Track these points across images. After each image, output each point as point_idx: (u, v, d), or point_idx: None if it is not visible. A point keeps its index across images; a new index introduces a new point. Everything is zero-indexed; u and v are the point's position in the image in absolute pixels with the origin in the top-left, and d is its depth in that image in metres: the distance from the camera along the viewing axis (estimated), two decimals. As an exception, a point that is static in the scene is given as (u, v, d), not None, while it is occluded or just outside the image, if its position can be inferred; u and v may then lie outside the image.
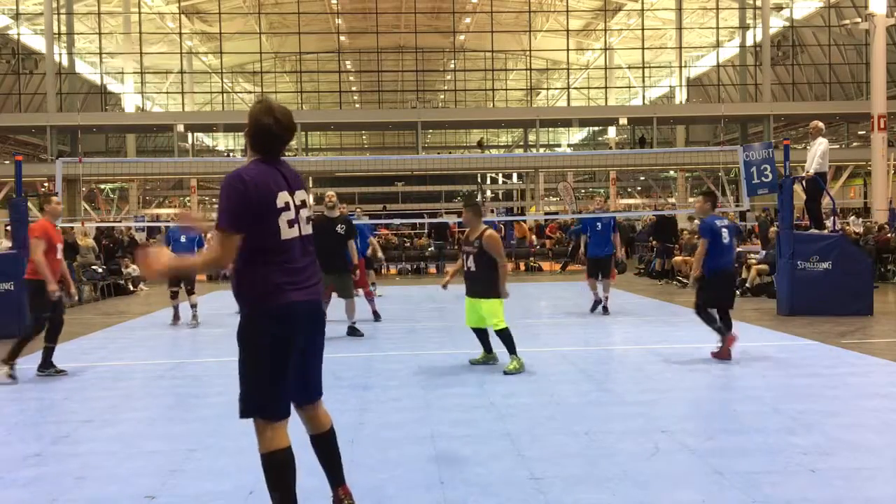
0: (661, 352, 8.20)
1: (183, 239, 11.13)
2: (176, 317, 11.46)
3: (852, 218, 26.41)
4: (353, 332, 9.90)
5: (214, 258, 3.20)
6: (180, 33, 41.20)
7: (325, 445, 3.52)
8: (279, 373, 3.23)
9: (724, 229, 7.95)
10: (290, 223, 3.28)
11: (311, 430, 3.53)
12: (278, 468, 3.25)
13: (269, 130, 3.34)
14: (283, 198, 3.26)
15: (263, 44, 42.62)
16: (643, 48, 40.83)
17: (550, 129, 50.28)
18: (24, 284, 7.76)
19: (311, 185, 40.04)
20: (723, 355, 7.67)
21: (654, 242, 19.38)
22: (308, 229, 3.39)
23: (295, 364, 3.29)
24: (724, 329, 7.81)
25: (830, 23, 38.95)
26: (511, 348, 7.29)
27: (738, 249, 16.37)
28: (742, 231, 12.95)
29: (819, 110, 33.42)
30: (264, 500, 3.99)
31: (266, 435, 3.27)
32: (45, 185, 33.35)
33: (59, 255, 7.50)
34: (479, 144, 43.45)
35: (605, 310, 11.58)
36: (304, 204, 3.38)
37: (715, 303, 8.01)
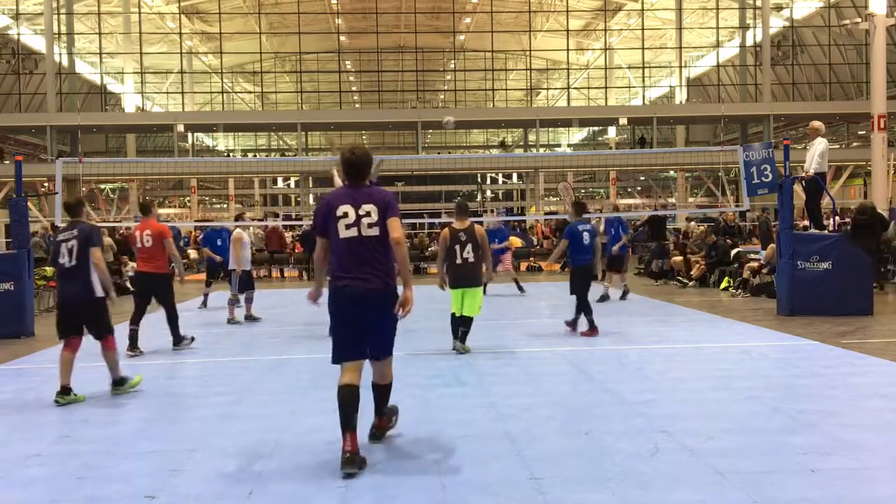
0: (661, 352, 8.20)
1: (219, 242, 13.00)
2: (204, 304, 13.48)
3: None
4: None
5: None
6: (180, 33, 41.18)
7: (375, 391, 4.86)
8: (338, 332, 4.64)
9: (584, 233, 9.30)
10: (348, 227, 4.52)
11: (375, 380, 4.83)
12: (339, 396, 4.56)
13: (346, 163, 4.65)
14: (343, 209, 4.54)
15: (263, 44, 42.61)
16: (643, 48, 40.81)
17: (550, 129, 50.27)
18: (150, 278, 8.74)
19: (311, 185, 40.09)
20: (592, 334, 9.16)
21: (652, 244, 19.41)
22: (369, 232, 4.51)
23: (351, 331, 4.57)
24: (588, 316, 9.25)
25: (830, 23, 38.93)
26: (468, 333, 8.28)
27: (739, 249, 16.45)
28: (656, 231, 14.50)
29: (819, 110, 33.40)
30: (264, 500, 4.01)
31: (342, 373, 4.60)
32: (46, 184, 33.35)
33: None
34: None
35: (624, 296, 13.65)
36: (367, 213, 4.51)
37: (576, 290, 9.38)
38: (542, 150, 44.57)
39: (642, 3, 41.10)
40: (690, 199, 43.46)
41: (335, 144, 28.89)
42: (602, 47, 44.03)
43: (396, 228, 4.53)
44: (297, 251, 22.93)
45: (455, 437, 5.04)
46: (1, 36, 39.14)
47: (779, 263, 11.55)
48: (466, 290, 8.04)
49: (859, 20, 27.54)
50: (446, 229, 8.23)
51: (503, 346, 8.80)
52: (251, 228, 24.61)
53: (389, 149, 54.34)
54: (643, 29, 40.78)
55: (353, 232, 4.50)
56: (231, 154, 53.76)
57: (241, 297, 11.62)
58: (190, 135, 42.45)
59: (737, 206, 27.22)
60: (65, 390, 6.23)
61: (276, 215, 36.75)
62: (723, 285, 15.30)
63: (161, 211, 46.44)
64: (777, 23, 40.60)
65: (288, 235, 24.26)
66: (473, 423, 5.39)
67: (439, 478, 4.26)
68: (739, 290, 14.17)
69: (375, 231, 4.52)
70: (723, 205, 35.94)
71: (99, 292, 6.38)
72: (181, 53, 41.22)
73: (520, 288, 15.34)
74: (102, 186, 42.38)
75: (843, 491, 3.96)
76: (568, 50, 41.96)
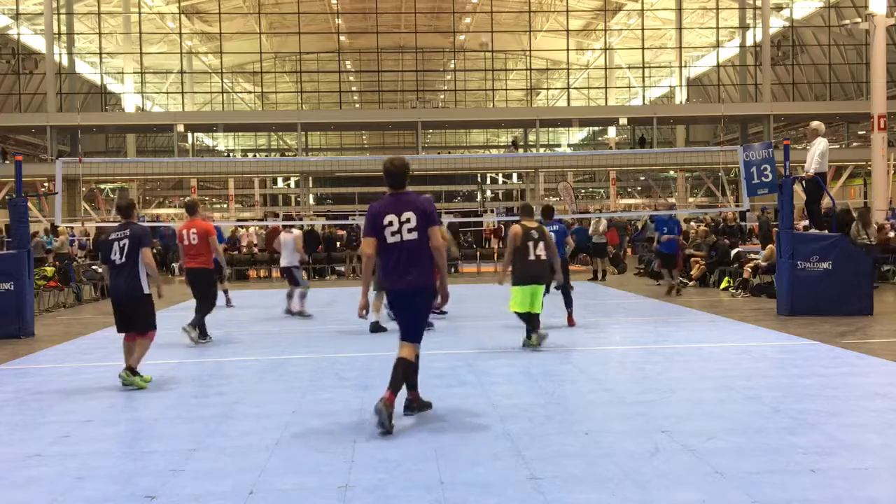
0: (661, 352, 8.20)
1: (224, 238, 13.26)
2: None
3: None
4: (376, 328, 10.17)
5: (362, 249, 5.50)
6: (180, 33, 41.19)
7: (406, 366, 5.42)
8: (396, 319, 5.64)
9: (552, 233, 9.30)
10: (393, 234, 5.23)
11: (399, 354, 5.43)
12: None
13: (386, 172, 5.38)
14: (388, 218, 5.24)
15: (263, 44, 42.60)
16: (643, 48, 40.82)
17: (550, 129, 50.28)
18: (197, 273, 9.37)
19: (311, 185, 40.06)
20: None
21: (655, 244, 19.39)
22: (409, 237, 5.21)
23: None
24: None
25: (830, 23, 38.94)
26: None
27: (739, 249, 16.45)
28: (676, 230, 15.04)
29: (819, 110, 33.42)
30: (264, 500, 4.01)
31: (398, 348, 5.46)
32: (46, 184, 33.36)
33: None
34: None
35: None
36: (408, 220, 5.20)
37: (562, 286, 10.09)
38: (542, 150, 44.56)
39: (642, 3, 41.10)
40: (690, 199, 43.45)
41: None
42: (602, 47, 44.04)
43: (436, 237, 5.26)
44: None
45: (455, 437, 5.04)
46: (1, 36, 39.14)
47: (779, 263, 11.55)
48: (536, 287, 8.20)
49: (859, 20, 27.55)
50: (517, 226, 8.26)
51: (503, 346, 8.80)
52: (251, 229, 24.71)
53: (389, 149, 54.32)
54: (643, 29, 40.79)
55: (397, 238, 5.24)
56: (231, 154, 53.77)
57: (297, 292, 12.22)
58: (190, 135, 42.48)
59: (737, 205, 27.22)
60: (131, 370, 6.74)
61: (276, 215, 36.76)
62: (723, 285, 15.31)
63: (161, 211, 46.55)
64: (777, 23, 40.61)
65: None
66: (473, 423, 5.40)
67: (439, 478, 4.26)
68: (739, 290, 14.17)
69: (415, 235, 5.23)
70: (723, 205, 35.93)
71: (146, 289, 6.81)
72: (181, 53, 41.23)
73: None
74: (102, 186, 42.38)
75: (843, 491, 3.95)
76: (568, 50, 41.96)
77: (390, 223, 5.24)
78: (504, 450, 4.75)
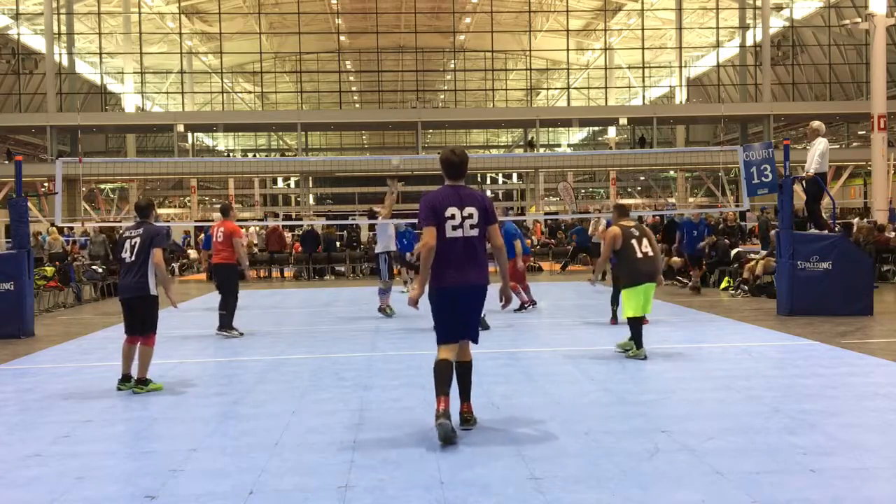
0: (661, 352, 8.19)
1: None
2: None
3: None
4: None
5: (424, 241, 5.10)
6: (180, 33, 41.19)
7: (460, 368, 5.20)
8: (441, 320, 5.19)
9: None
10: (454, 228, 5.00)
11: (457, 358, 5.16)
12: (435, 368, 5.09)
13: (448, 162, 5.22)
14: (451, 211, 5.00)
15: (263, 44, 42.60)
16: (643, 48, 40.82)
17: (550, 129, 50.27)
18: (219, 267, 10.33)
19: (311, 185, 40.05)
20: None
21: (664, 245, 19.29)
22: (471, 233, 5.01)
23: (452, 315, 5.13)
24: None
25: (830, 23, 38.94)
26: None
27: (739, 249, 16.44)
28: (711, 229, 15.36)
29: (819, 110, 33.41)
30: (264, 500, 4.01)
31: (439, 352, 5.12)
32: (46, 184, 33.35)
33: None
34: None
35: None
36: (470, 215, 5.01)
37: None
38: (542, 150, 44.54)
39: (642, 3, 41.10)
40: (690, 199, 43.45)
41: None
42: (602, 47, 44.04)
43: (497, 236, 5.17)
44: (296, 251, 22.94)
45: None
46: (1, 36, 39.13)
47: (779, 263, 11.55)
48: (649, 285, 7.81)
49: (859, 20, 27.55)
50: (616, 227, 7.97)
51: (503, 346, 8.80)
52: (251, 229, 24.71)
53: (389, 149, 54.34)
54: (643, 29, 40.78)
55: (459, 233, 5.03)
56: (231, 154, 53.77)
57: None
58: (190, 135, 42.46)
59: (737, 205, 27.21)
60: (141, 382, 6.71)
61: (276, 215, 36.78)
62: (723, 285, 15.31)
63: (161, 211, 46.58)
64: (777, 23, 40.61)
65: (288, 235, 24.28)
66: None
67: (439, 478, 4.26)
68: (739, 291, 14.17)
69: (476, 232, 5.06)
70: (723, 205, 35.92)
71: (153, 290, 6.75)
72: (181, 53, 41.22)
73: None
74: (102, 186, 42.39)
75: (842, 491, 3.95)
76: (568, 50, 41.96)
77: (452, 216, 5.02)
78: (504, 450, 4.74)
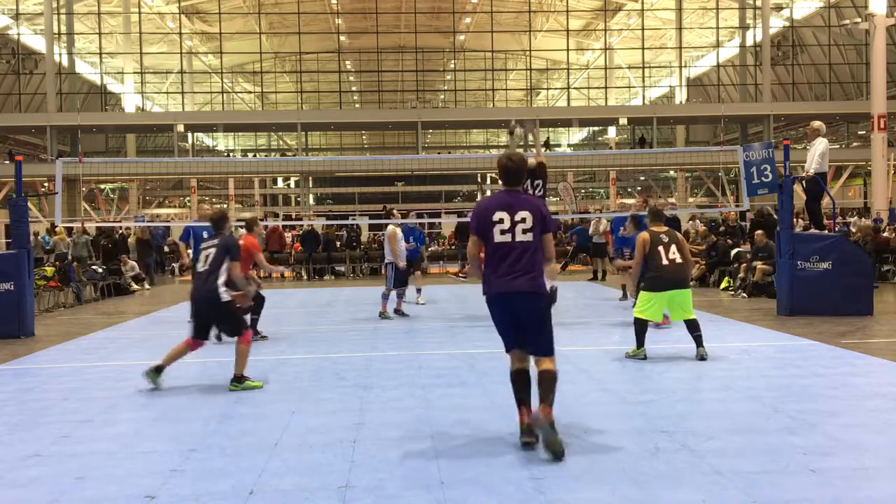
0: (661, 352, 8.19)
1: (205, 235, 12.61)
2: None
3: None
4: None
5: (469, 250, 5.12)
6: (180, 33, 41.19)
7: (540, 378, 4.91)
8: (499, 329, 5.07)
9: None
10: (503, 232, 4.82)
11: (537, 367, 4.95)
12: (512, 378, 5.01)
13: (504, 168, 4.93)
14: (500, 215, 4.83)
15: (263, 44, 42.61)
16: (643, 48, 40.83)
17: (550, 129, 50.27)
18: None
19: (311, 185, 40.05)
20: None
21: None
22: (523, 238, 4.82)
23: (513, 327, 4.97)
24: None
25: (830, 23, 38.95)
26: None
27: (738, 249, 16.43)
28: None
29: (819, 110, 33.41)
30: (264, 500, 4.01)
31: (510, 360, 5.04)
32: (46, 184, 33.36)
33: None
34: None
35: None
36: (523, 220, 4.81)
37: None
38: (542, 150, 44.48)
39: (642, 3, 41.11)
40: (690, 199, 43.46)
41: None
42: (602, 47, 44.04)
43: (551, 247, 4.98)
44: (296, 251, 22.94)
45: (455, 437, 5.04)
46: (1, 36, 39.14)
47: (779, 263, 11.55)
48: (676, 292, 7.82)
49: (859, 20, 27.57)
50: (645, 233, 7.99)
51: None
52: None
53: (389, 149, 54.35)
54: (643, 29, 40.79)
55: (507, 237, 4.83)
56: (231, 154, 53.74)
57: (394, 293, 11.92)
58: (190, 135, 42.48)
59: (737, 205, 27.21)
60: (158, 369, 6.77)
61: (276, 215, 36.78)
62: (723, 285, 15.30)
63: (161, 211, 46.58)
64: (777, 23, 40.62)
65: (288, 235, 24.27)
66: (473, 423, 5.39)
67: (439, 478, 4.26)
68: (739, 291, 14.16)
69: (529, 237, 4.85)
70: (723, 205, 35.93)
71: (224, 297, 6.80)
72: (181, 53, 41.23)
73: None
74: (102, 186, 42.39)
75: (842, 491, 3.95)
76: (568, 50, 41.97)
77: (501, 220, 4.85)
78: (504, 449, 4.74)
